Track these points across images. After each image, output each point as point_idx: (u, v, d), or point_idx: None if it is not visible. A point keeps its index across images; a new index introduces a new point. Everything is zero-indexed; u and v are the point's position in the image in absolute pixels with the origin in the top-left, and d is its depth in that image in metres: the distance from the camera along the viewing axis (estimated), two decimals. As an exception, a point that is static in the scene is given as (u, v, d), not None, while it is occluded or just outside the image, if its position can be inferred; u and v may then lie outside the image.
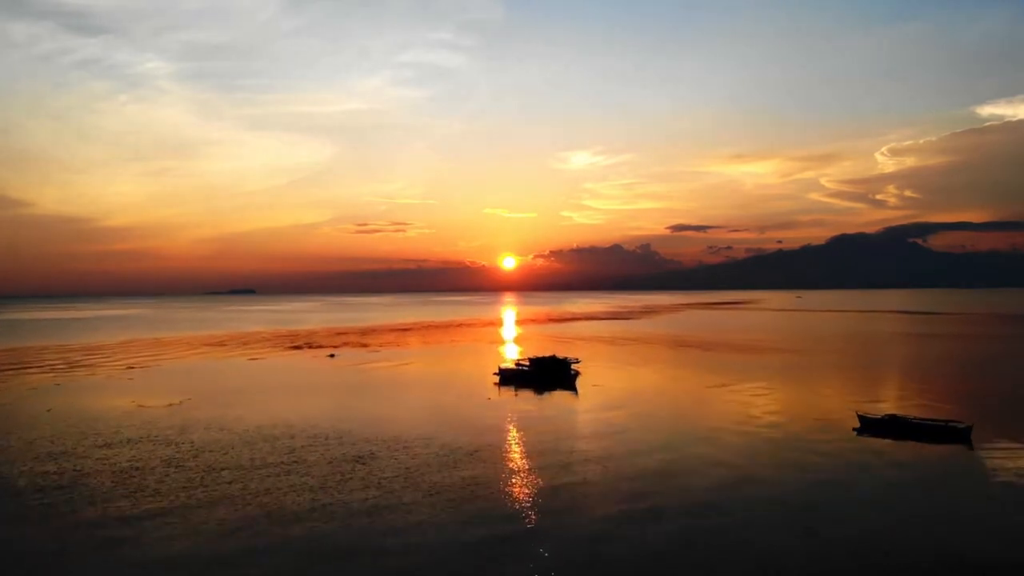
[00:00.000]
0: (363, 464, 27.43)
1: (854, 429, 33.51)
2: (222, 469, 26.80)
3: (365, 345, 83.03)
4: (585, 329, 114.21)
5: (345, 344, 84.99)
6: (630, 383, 49.57)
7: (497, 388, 48.61)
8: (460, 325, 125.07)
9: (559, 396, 45.17)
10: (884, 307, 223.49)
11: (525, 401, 42.93)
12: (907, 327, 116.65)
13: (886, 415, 34.46)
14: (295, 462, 27.75)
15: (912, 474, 26.39)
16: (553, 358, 58.29)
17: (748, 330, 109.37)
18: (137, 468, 27.10)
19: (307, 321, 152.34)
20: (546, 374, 51.33)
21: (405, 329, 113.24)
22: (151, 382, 52.87)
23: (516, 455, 28.80)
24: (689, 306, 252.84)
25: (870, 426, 33.84)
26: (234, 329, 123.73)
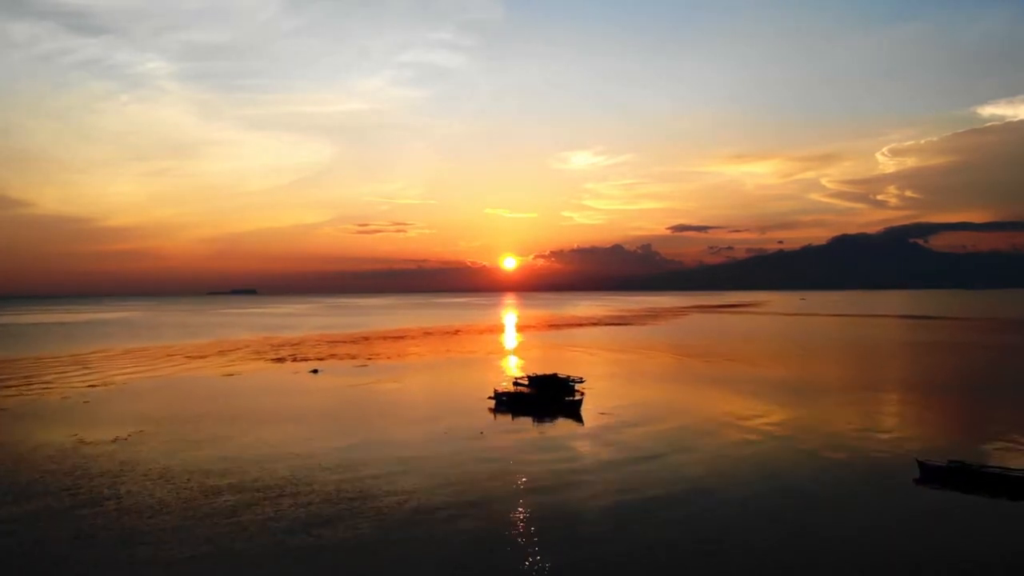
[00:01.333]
0: (315, 536, 21.97)
1: (915, 479, 28.25)
2: (140, 544, 21.38)
3: (353, 357, 77.82)
4: (587, 337, 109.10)
5: (332, 356, 79.82)
6: (641, 411, 43.96)
7: (493, 415, 43.47)
8: (457, 332, 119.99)
9: (562, 427, 39.77)
10: (895, 311, 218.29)
11: (523, 436, 37.45)
12: (928, 335, 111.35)
13: (951, 462, 29.07)
14: (232, 530, 22.35)
15: (999, 546, 20.94)
16: (554, 377, 53.18)
17: (759, 338, 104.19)
18: (37, 545, 21.63)
19: (299, 327, 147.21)
20: (547, 397, 46.00)
21: (399, 337, 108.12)
22: (107, 406, 47.51)
23: (510, 523, 23.38)
24: (693, 309, 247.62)
25: (933, 475, 28.38)
26: (220, 336, 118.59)
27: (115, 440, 36.34)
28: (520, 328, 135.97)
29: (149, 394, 53.16)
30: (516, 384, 54.14)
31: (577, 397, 45.83)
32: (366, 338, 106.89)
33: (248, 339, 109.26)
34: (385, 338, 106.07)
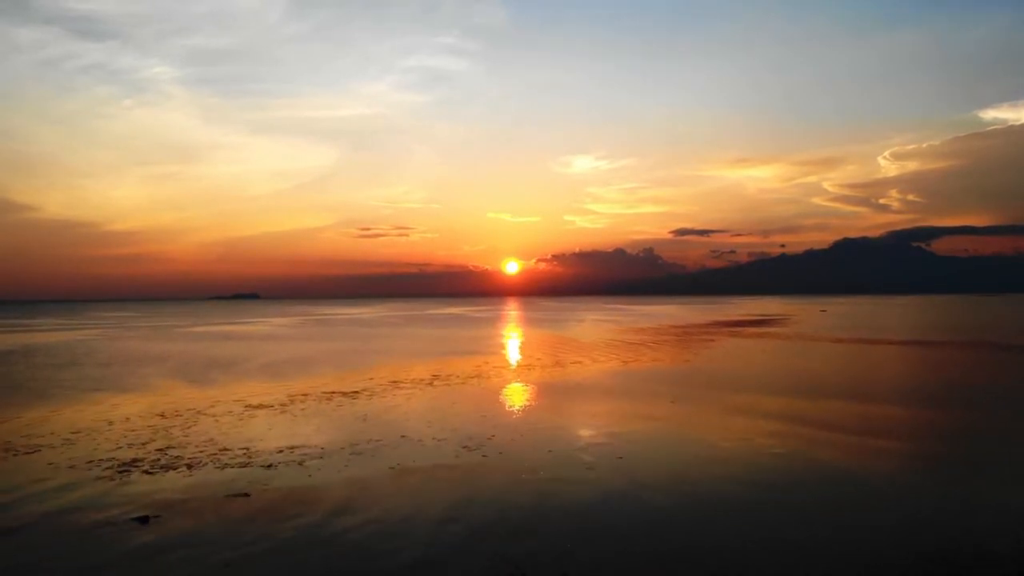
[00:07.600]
0: None
1: None
2: None
3: (246, 462, 49.31)
4: (605, 398, 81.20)
5: (218, 454, 51.05)
6: None
7: None
8: (434, 379, 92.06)
9: None
10: (955, 334, 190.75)
11: None
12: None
13: None
14: None
15: None
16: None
17: (848, 397, 75.58)
18: None
19: (239, 365, 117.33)
20: None
21: (351, 394, 79.89)
22: None
23: None
24: (715, 327, 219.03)
25: None
26: (122, 388, 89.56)
27: None
28: (517, 370, 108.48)
29: None
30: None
31: None
32: (304, 396, 78.52)
33: (148, 397, 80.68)
34: (330, 398, 77.69)
